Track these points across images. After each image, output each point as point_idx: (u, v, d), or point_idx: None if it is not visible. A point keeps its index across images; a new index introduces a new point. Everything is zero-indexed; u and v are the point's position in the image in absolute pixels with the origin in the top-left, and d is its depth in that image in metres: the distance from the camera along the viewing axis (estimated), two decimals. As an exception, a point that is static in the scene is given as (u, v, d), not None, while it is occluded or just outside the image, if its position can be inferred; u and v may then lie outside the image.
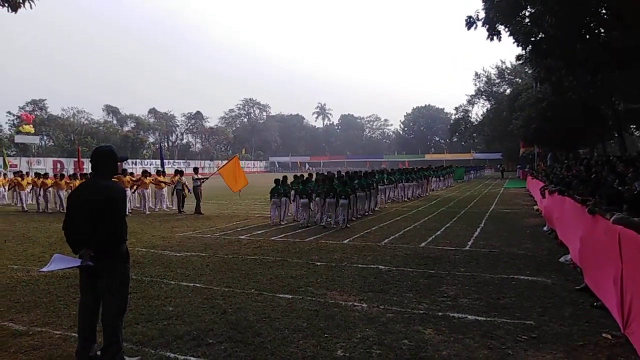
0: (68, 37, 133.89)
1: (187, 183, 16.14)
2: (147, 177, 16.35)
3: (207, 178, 16.39)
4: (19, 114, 65.45)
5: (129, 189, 15.58)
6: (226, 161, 16.84)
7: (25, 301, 5.43)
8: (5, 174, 22.56)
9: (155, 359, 3.76)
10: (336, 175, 13.88)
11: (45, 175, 17.87)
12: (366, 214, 14.08)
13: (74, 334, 4.04)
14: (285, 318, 4.72)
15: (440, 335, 4.20)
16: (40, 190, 16.97)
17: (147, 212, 15.69)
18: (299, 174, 14.49)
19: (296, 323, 4.57)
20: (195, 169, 17.33)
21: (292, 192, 12.96)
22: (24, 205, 17.39)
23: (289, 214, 13.17)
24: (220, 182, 16.90)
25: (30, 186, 17.96)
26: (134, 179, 16.47)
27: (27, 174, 19.59)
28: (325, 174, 14.42)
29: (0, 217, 14.97)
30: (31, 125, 51.91)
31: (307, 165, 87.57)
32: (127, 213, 14.77)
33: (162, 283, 6.20)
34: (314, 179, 13.76)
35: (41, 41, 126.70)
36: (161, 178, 16.71)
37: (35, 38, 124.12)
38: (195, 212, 15.11)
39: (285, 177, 13.43)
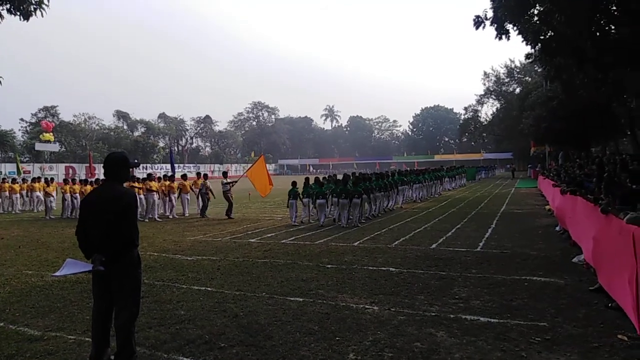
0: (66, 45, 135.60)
1: (211, 187, 15.91)
2: (173, 182, 16.21)
3: (236, 181, 16.04)
4: (31, 121, 66.51)
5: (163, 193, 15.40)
6: (251, 164, 16.71)
7: (40, 306, 5.50)
8: (20, 180, 22.73)
9: (168, 363, 3.78)
10: (351, 177, 14.32)
11: (73, 181, 18.07)
12: (384, 211, 15.07)
13: (88, 339, 4.09)
14: (297, 321, 4.72)
15: (452, 338, 4.18)
16: (68, 195, 17.04)
17: (171, 217, 15.57)
18: (321, 177, 14.93)
19: (307, 326, 4.57)
20: (225, 173, 16.81)
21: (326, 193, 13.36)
22: (51, 210, 17.20)
23: (311, 214, 13.68)
24: (245, 185, 16.97)
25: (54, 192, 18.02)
26: (166, 184, 15.98)
27: (52, 179, 19.72)
28: (354, 174, 15.23)
29: (15, 223, 15.18)
30: (51, 134, 53.07)
31: (310, 168, 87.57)
32: (141, 219, 14.98)
33: (173, 287, 6.24)
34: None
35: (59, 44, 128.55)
36: (186, 182, 16.53)
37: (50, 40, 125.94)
38: (226, 215, 14.84)
39: (307, 179, 14.04)
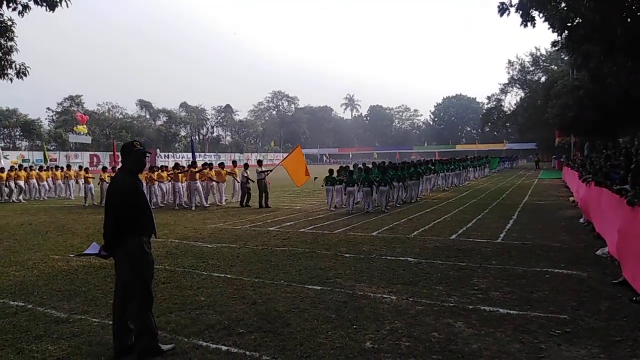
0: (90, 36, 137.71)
1: (250, 176, 15.79)
2: (211, 170, 16.29)
3: (271, 170, 15.91)
4: (57, 110, 68.06)
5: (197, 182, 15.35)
6: (287, 153, 16.61)
7: (66, 290, 5.68)
8: (51, 167, 23.32)
9: (188, 347, 3.86)
10: (377, 165, 15.77)
11: (113, 169, 18.23)
12: (413, 201, 15.60)
13: (111, 322, 4.21)
14: (314, 309, 4.76)
15: (470, 329, 4.15)
16: (106, 184, 17.25)
17: (206, 205, 15.51)
18: (344, 166, 15.73)
19: (325, 314, 4.60)
20: (260, 162, 16.45)
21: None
22: (92, 198, 17.43)
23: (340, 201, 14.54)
24: (278, 174, 17.12)
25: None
26: (195, 170, 15.84)
27: (87, 169, 20.25)
28: (382, 163, 16.66)
29: (42, 210, 15.64)
30: (85, 126, 54.83)
31: (324, 158, 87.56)
32: (158, 205, 15.27)
33: (194, 274, 6.36)
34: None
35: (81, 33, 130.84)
36: (223, 171, 16.66)
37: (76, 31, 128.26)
38: (259, 205, 14.79)
39: (341, 168, 15.18)
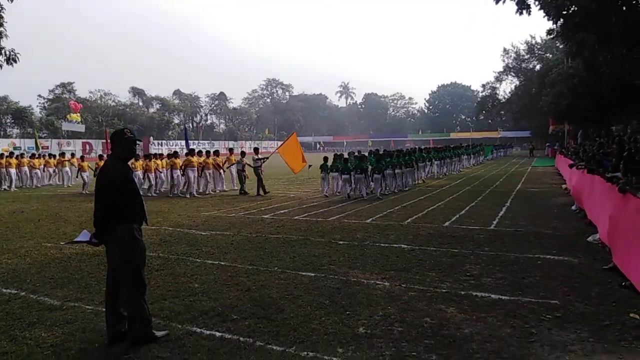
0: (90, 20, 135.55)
1: (249, 163, 15.65)
2: (209, 158, 16.25)
3: (267, 158, 15.84)
4: (49, 97, 67.26)
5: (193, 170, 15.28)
6: (282, 141, 16.50)
7: (59, 277, 5.66)
8: (43, 155, 23.08)
9: (182, 333, 3.88)
10: (372, 153, 16.47)
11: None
12: (406, 188, 15.55)
13: (104, 309, 4.20)
14: (308, 295, 4.79)
15: (462, 314, 4.19)
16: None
17: (209, 193, 15.63)
18: (338, 154, 16.20)
19: (319, 300, 4.63)
20: (256, 149, 16.59)
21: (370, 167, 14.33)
22: (87, 185, 17.21)
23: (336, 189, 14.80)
24: (272, 161, 17.07)
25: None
26: (201, 160, 15.98)
27: (83, 157, 20.01)
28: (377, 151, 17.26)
29: (34, 197, 15.54)
30: (78, 114, 54.10)
31: (318, 146, 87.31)
32: (152, 193, 15.22)
33: (188, 261, 6.36)
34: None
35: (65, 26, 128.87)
36: (219, 159, 16.58)
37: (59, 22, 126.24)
38: (257, 193, 14.71)
39: (336, 155, 15.64)
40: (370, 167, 14.11)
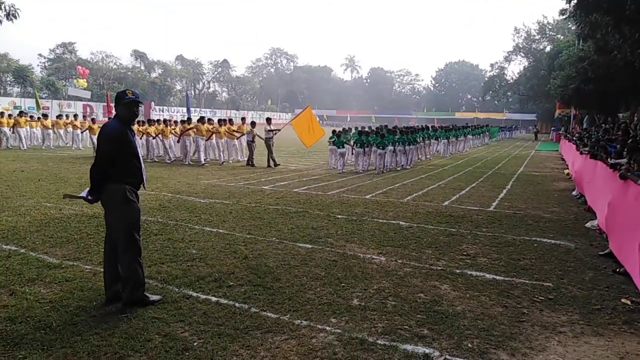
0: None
1: (259, 135, 15.41)
2: (222, 127, 16.03)
3: (279, 130, 15.57)
4: (50, 57, 66.41)
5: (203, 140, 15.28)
6: (298, 112, 16.39)
7: (58, 237, 5.71)
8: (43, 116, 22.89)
9: (178, 296, 3.93)
10: (377, 129, 16.94)
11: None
12: (409, 166, 15.57)
13: (102, 270, 4.25)
14: (304, 266, 4.83)
15: (456, 292, 4.24)
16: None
17: (222, 162, 15.53)
18: (347, 128, 16.77)
19: (314, 271, 4.67)
20: (268, 119, 16.12)
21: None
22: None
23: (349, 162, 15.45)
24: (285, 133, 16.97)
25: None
26: (211, 127, 15.83)
27: (93, 119, 20.00)
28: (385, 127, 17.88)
29: (34, 158, 15.53)
30: (85, 80, 53.75)
31: (321, 120, 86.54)
32: (185, 161, 15.19)
33: (186, 227, 6.40)
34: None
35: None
36: (234, 128, 16.37)
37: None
38: (267, 164, 14.64)
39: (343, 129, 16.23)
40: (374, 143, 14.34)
